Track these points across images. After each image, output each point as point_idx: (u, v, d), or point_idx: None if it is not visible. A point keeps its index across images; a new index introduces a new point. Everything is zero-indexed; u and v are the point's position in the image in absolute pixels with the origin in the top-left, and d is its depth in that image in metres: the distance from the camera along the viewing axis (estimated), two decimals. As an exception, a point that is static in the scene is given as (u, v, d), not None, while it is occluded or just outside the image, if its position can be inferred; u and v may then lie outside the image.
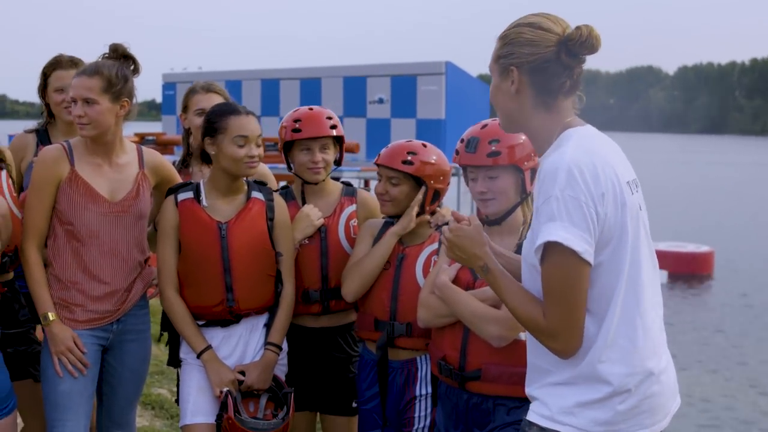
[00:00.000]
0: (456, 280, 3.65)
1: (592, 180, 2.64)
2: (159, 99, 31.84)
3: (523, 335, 3.46)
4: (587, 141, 2.77)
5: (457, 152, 3.68)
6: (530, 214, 3.60)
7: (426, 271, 4.05)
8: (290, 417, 4.08)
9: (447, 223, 3.99)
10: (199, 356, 4.12)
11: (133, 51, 4.21)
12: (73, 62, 4.82)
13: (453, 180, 4.82)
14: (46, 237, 4.11)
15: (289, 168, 4.50)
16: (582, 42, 2.75)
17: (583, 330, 2.68)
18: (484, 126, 3.67)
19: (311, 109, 4.43)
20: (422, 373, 4.07)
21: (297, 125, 4.34)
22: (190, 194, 4.17)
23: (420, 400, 4.06)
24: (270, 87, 25.47)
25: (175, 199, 4.17)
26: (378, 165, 4.17)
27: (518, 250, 3.54)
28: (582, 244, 2.61)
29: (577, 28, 2.77)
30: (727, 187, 43.55)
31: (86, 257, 4.07)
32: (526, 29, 2.81)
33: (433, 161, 4.11)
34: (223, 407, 4.02)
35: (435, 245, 4.10)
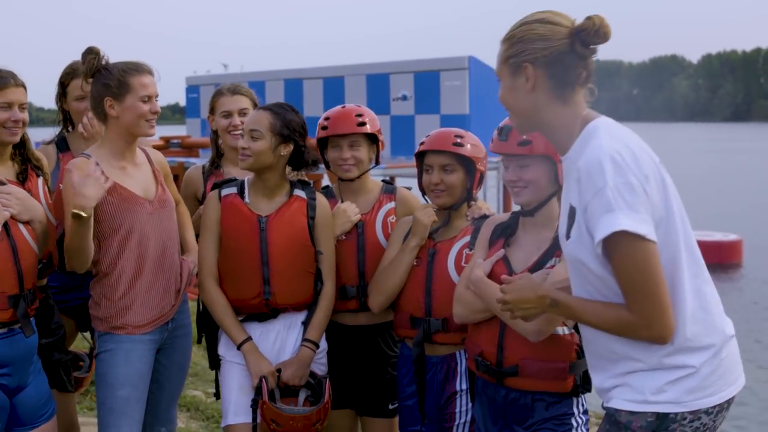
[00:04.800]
0: (491, 276, 3.62)
1: (634, 164, 2.67)
2: (183, 102, 31.88)
3: (561, 330, 3.51)
4: (615, 130, 2.80)
5: (492, 140, 3.67)
6: None
7: (458, 266, 4.05)
8: (325, 402, 4.10)
9: (484, 216, 3.97)
10: (239, 347, 4.15)
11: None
12: None
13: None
14: (96, 249, 4.11)
15: (327, 166, 4.52)
16: (595, 31, 2.79)
17: (671, 309, 2.69)
18: None
19: (344, 107, 4.45)
20: (462, 368, 4.07)
21: (326, 123, 4.37)
22: (233, 189, 4.23)
23: (461, 395, 4.06)
24: (293, 87, 25.43)
25: (219, 194, 4.23)
26: (422, 154, 4.13)
27: (554, 242, 3.56)
28: (645, 227, 2.62)
29: (589, 18, 2.80)
30: (755, 175, 43.23)
31: (142, 258, 4.13)
32: (536, 25, 2.85)
33: (477, 143, 4.11)
34: (258, 392, 4.08)
35: (466, 238, 4.08)
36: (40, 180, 4.35)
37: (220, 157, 4.96)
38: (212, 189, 4.32)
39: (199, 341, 4.57)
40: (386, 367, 4.39)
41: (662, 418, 2.75)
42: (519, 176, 3.60)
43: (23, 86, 4.26)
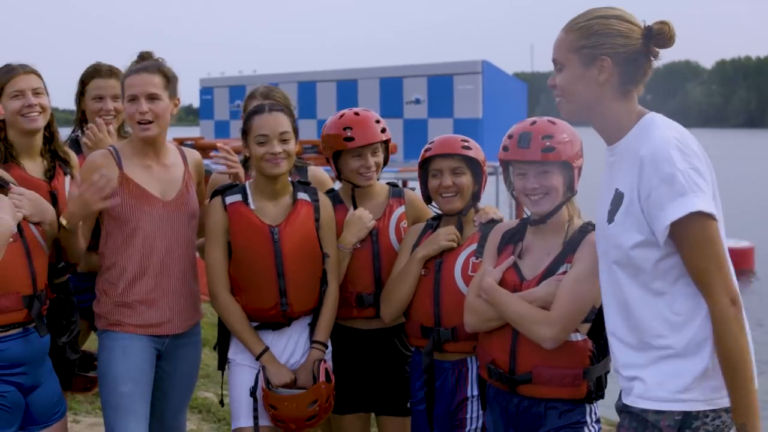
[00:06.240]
0: (502, 282, 3.62)
1: (697, 152, 2.79)
2: (196, 104, 32.07)
3: (574, 336, 3.50)
4: (671, 123, 2.91)
5: (506, 148, 3.63)
6: (576, 212, 3.67)
7: (465, 274, 4.03)
8: (320, 383, 4.08)
9: (492, 221, 3.98)
10: (258, 358, 4.13)
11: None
12: (111, 71, 4.87)
13: (491, 179, 4.72)
14: (103, 243, 4.15)
15: (338, 174, 4.47)
16: (670, 37, 2.90)
17: None
18: (534, 122, 3.63)
19: (357, 114, 4.37)
20: (473, 374, 4.05)
21: (348, 133, 4.29)
22: (238, 197, 4.15)
23: (472, 401, 4.04)
24: (307, 89, 25.55)
25: (223, 201, 4.15)
26: (429, 159, 4.11)
27: (565, 248, 3.58)
28: (713, 207, 2.74)
29: (664, 23, 2.90)
30: (768, 182, 43.11)
31: (146, 259, 4.10)
32: (614, 21, 2.92)
33: (479, 147, 4.12)
34: (256, 381, 4.11)
35: (473, 247, 4.06)
36: (68, 178, 4.35)
37: (247, 158, 4.82)
38: (213, 196, 4.23)
39: (215, 347, 4.49)
40: (403, 366, 4.37)
41: (687, 415, 2.81)
42: (540, 183, 3.58)
43: (34, 72, 4.28)
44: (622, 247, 2.87)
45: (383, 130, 4.36)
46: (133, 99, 4.07)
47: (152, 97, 4.07)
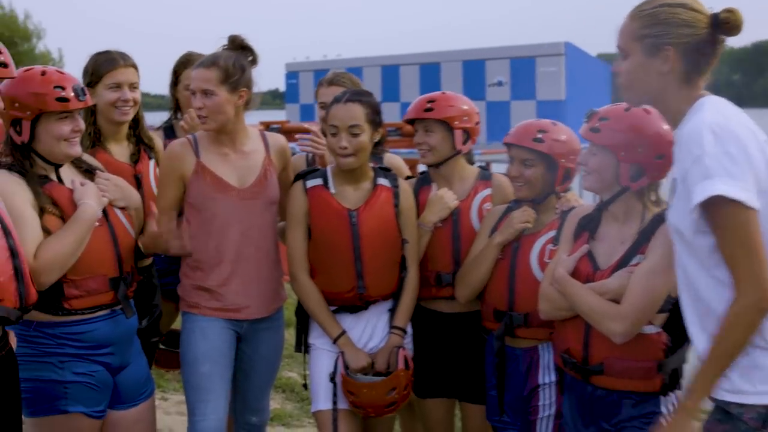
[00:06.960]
0: (575, 273, 3.57)
1: (735, 135, 2.68)
2: (282, 88, 32.46)
3: (648, 328, 3.43)
4: (721, 107, 2.82)
5: None
6: (650, 204, 3.54)
7: (541, 261, 4.02)
8: (399, 370, 4.11)
9: (573, 208, 3.86)
10: (335, 341, 4.18)
11: (255, 42, 4.24)
12: None
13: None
14: (187, 228, 4.23)
15: None
16: (736, 26, 2.85)
17: None
18: (614, 105, 3.56)
19: (431, 94, 4.43)
20: (544, 362, 4.05)
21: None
22: (319, 181, 4.20)
23: (544, 389, 4.04)
24: (390, 73, 25.67)
25: (304, 185, 4.20)
26: (507, 145, 4.07)
27: (639, 237, 3.49)
28: (743, 193, 2.62)
29: (731, 12, 2.84)
30: None
31: (222, 246, 4.17)
32: (680, 10, 2.86)
33: (563, 139, 4.00)
34: (336, 366, 4.16)
35: (551, 233, 4.03)
36: (152, 162, 4.49)
37: None
38: (295, 180, 4.30)
39: (298, 325, 4.48)
40: (484, 353, 4.31)
41: None
42: (586, 161, 3.59)
43: (133, 66, 4.40)
44: (681, 233, 2.82)
45: (428, 110, 4.31)
46: (193, 93, 4.15)
47: (206, 93, 4.09)
